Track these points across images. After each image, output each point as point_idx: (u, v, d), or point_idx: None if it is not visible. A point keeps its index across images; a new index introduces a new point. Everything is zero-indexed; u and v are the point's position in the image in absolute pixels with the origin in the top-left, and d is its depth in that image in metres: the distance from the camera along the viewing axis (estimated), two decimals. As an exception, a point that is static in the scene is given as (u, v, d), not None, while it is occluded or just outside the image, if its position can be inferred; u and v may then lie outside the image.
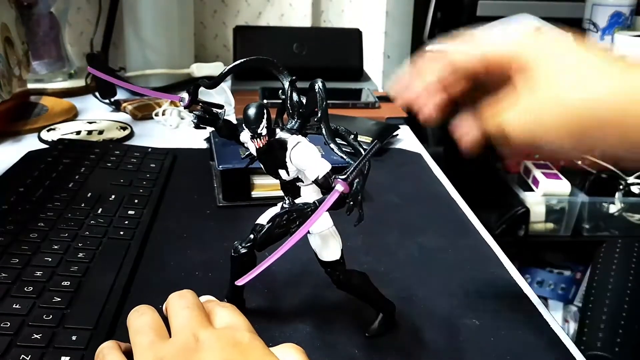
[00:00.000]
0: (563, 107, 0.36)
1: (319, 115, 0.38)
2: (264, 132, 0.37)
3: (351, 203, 0.35)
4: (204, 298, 0.44)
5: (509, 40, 0.40)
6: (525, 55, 0.39)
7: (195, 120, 0.41)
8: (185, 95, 0.41)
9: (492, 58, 0.40)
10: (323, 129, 0.38)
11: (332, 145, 0.37)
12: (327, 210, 0.35)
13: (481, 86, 0.42)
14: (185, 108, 0.41)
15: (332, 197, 0.35)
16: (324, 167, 0.36)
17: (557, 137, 0.37)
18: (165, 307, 0.39)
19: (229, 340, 0.35)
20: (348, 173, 0.34)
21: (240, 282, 0.36)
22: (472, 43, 0.41)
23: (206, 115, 0.41)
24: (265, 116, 0.37)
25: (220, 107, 0.42)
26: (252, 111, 0.37)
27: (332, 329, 0.45)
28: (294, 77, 0.40)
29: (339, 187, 0.34)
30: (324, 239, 0.41)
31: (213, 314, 0.39)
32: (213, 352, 0.34)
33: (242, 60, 0.41)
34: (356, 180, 0.35)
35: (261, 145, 0.37)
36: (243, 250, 0.42)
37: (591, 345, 1.29)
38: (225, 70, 0.41)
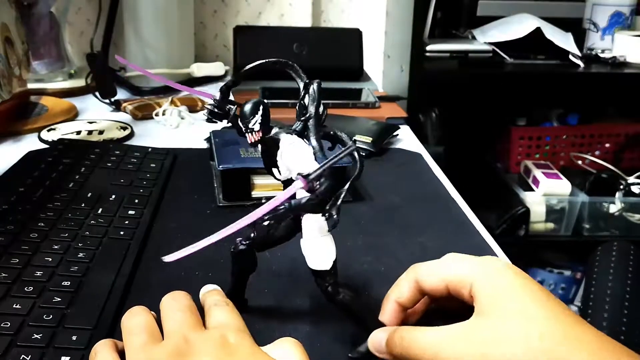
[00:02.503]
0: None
1: (307, 115, 0.38)
2: (256, 127, 0.37)
3: (327, 208, 0.35)
4: (209, 287, 0.44)
5: (474, 270, 0.40)
6: (476, 288, 0.38)
7: (207, 114, 0.41)
8: (217, 93, 0.42)
9: (455, 282, 0.40)
10: (310, 129, 0.38)
11: (313, 144, 0.37)
12: (301, 213, 0.36)
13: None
14: (215, 106, 0.40)
15: (288, 191, 0.35)
16: (307, 168, 0.36)
17: None
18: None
19: (218, 341, 0.36)
20: (312, 172, 0.35)
21: (167, 259, 0.35)
22: (438, 266, 0.42)
23: (218, 110, 0.41)
24: (260, 112, 0.37)
25: (234, 103, 0.42)
26: (247, 106, 0.37)
27: (333, 330, 0.45)
28: (307, 81, 0.40)
29: (298, 183, 0.34)
30: (315, 245, 0.39)
31: (208, 314, 0.39)
32: (203, 355, 0.34)
33: (262, 61, 0.42)
34: (320, 181, 0.35)
35: (253, 141, 0.37)
36: (241, 247, 0.42)
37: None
38: (246, 69, 0.41)
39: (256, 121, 0.37)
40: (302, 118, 0.40)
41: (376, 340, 0.40)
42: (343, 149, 0.35)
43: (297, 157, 0.37)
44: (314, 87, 0.38)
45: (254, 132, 0.37)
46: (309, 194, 0.36)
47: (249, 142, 0.38)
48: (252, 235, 0.41)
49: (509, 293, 0.37)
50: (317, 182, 0.35)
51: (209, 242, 0.35)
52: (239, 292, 0.45)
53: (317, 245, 0.39)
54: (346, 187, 0.37)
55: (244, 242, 0.42)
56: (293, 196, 0.36)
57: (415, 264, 0.44)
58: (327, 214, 0.36)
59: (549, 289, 1.55)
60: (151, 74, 0.48)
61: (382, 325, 0.42)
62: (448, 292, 0.41)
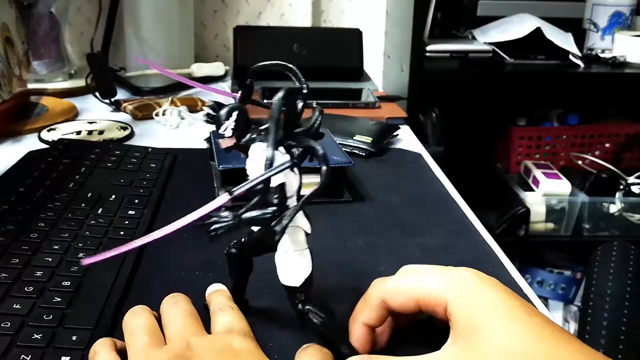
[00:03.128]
0: None
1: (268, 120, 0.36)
2: (228, 132, 0.36)
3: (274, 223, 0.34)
4: (215, 287, 0.43)
5: (441, 283, 0.37)
6: (450, 306, 0.36)
7: (205, 116, 0.41)
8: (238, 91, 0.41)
9: (424, 299, 0.37)
10: (269, 136, 0.36)
11: (268, 154, 0.35)
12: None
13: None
14: (214, 109, 0.40)
15: (211, 205, 0.34)
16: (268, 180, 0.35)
17: None
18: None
19: (221, 346, 0.35)
20: (236, 188, 0.34)
21: (85, 262, 0.34)
22: (402, 280, 0.39)
23: (215, 113, 0.40)
24: (232, 117, 0.36)
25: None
26: (221, 111, 0.36)
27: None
28: (290, 88, 0.38)
29: (222, 198, 0.33)
30: (286, 260, 0.38)
31: (213, 318, 0.39)
32: None
33: (267, 62, 0.41)
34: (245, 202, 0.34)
35: (223, 147, 0.36)
36: (232, 251, 0.42)
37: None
38: (251, 70, 0.41)
39: (227, 127, 0.36)
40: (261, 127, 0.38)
41: None
42: (277, 165, 0.34)
43: (255, 167, 0.36)
44: (277, 98, 0.36)
45: (225, 138, 0.36)
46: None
47: (220, 147, 0.37)
48: (243, 240, 0.41)
49: (487, 312, 0.35)
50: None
51: (130, 248, 0.34)
52: (238, 293, 0.45)
53: (289, 260, 0.38)
54: (297, 205, 0.35)
55: (235, 246, 0.42)
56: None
57: (378, 279, 0.41)
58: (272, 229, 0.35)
59: (549, 289, 1.53)
60: (174, 74, 0.48)
61: (354, 350, 0.39)
62: (419, 309, 0.38)
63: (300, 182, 0.37)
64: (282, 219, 0.35)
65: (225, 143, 0.36)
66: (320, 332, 0.38)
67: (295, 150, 0.36)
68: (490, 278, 0.38)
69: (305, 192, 0.35)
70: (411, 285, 0.38)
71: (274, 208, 0.35)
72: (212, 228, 0.34)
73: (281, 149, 0.37)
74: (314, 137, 0.38)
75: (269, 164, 0.34)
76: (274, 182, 0.35)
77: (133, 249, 0.34)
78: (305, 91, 0.39)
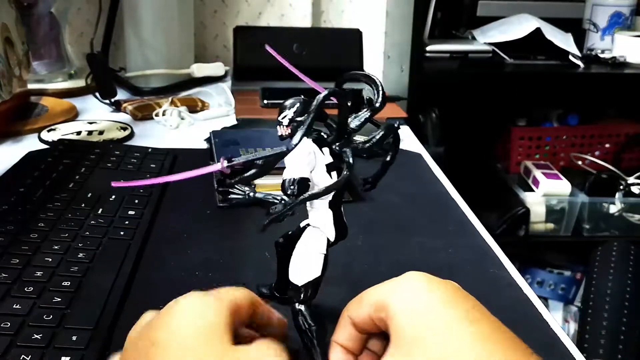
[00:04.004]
0: None
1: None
2: (285, 122, 0.37)
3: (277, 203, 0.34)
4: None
5: (383, 291, 0.34)
6: (392, 311, 0.33)
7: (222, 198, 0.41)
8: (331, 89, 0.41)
9: (373, 314, 0.34)
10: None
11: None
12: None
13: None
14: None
15: (207, 169, 0.36)
16: (290, 173, 0.35)
17: None
18: None
19: None
20: (235, 160, 0.35)
21: (114, 184, 0.36)
22: (364, 294, 0.36)
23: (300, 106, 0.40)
24: (293, 109, 0.36)
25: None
26: (288, 101, 0.36)
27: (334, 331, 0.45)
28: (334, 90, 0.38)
29: (218, 165, 0.35)
30: (298, 257, 0.38)
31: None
32: None
33: (356, 72, 0.42)
34: (250, 173, 0.35)
35: (279, 134, 0.37)
36: (280, 240, 0.41)
37: (593, 353, 1.29)
38: (346, 75, 0.41)
39: (285, 116, 0.37)
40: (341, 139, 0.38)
41: None
42: (276, 149, 0.35)
43: (289, 159, 0.37)
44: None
45: (282, 126, 0.37)
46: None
47: (277, 133, 0.38)
48: (290, 233, 0.40)
49: (427, 322, 0.32)
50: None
51: (156, 182, 0.35)
52: (282, 283, 0.43)
53: (301, 258, 0.38)
54: (296, 200, 0.34)
55: (282, 237, 0.41)
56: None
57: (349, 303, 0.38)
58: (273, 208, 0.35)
59: (549, 289, 1.52)
60: (293, 68, 0.47)
61: None
62: (377, 326, 0.35)
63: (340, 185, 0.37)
64: (282, 207, 0.34)
65: (280, 131, 0.36)
66: (301, 337, 0.37)
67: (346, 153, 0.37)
68: (443, 284, 0.34)
69: (271, 193, 0.36)
70: (365, 296, 0.36)
71: (283, 198, 0.35)
72: (228, 197, 0.36)
73: (326, 150, 0.37)
74: (368, 150, 0.38)
75: (290, 149, 0.35)
76: (292, 174, 0.35)
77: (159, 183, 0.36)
78: (377, 105, 0.40)
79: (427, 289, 0.33)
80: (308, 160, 0.36)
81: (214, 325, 0.32)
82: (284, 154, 0.35)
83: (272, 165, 0.35)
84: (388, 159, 0.41)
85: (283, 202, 0.34)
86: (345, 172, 0.35)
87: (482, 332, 0.32)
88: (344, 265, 0.54)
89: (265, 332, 0.37)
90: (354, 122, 0.39)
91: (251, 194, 0.36)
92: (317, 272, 0.38)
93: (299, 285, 0.38)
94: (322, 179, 0.37)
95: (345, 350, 0.36)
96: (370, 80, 0.40)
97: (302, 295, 0.38)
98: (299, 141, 0.35)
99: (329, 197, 0.37)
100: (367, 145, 0.38)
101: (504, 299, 0.51)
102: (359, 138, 0.39)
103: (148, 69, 1.10)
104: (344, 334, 0.36)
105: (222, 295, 0.34)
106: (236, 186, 0.37)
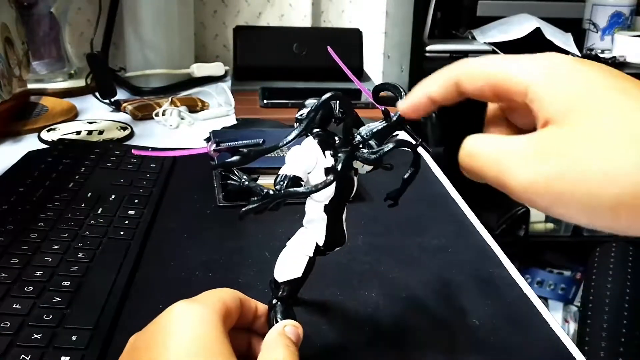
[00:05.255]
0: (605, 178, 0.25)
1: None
2: (299, 116, 0.37)
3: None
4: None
5: (528, 68, 0.30)
6: (550, 96, 0.28)
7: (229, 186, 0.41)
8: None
9: (502, 85, 0.31)
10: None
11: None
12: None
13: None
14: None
15: (195, 149, 0.37)
16: (285, 169, 0.36)
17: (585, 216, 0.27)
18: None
19: None
20: (223, 145, 0.35)
21: (134, 151, 0.37)
22: (482, 62, 0.33)
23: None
24: (308, 108, 0.37)
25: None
26: (309, 100, 0.37)
27: (339, 328, 0.45)
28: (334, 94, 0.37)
29: (208, 146, 0.35)
30: (285, 254, 0.39)
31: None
32: None
33: (381, 83, 0.41)
34: (228, 154, 0.35)
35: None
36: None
37: (593, 353, 1.28)
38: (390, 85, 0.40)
39: (302, 113, 0.37)
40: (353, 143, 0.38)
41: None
42: (253, 142, 0.35)
43: (289, 155, 0.37)
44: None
45: (297, 121, 0.37)
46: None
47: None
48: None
49: (589, 91, 0.27)
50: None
51: (171, 154, 0.36)
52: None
53: (286, 255, 0.39)
54: (280, 193, 0.35)
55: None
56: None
57: (460, 60, 0.34)
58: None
59: (548, 290, 1.53)
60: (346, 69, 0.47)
61: None
62: (497, 98, 0.32)
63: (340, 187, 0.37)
64: (260, 200, 0.34)
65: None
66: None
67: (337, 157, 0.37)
68: (593, 63, 0.29)
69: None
70: (490, 69, 0.32)
71: (265, 191, 0.34)
72: (227, 182, 0.37)
73: (329, 153, 0.37)
74: (374, 161, 0.38)
75: (284, 143, 0.35)
76: (286, 171, 0.36)
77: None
78: (394, 118, 0.39)
79: (575, 63, 0.29)
80: (307, 161, 0.36)
81: (213, 341, 0.31)
82: (273, 148, 0.35)
83: (256, 155, 0.35)
84: (406, 176, 0.42)
85: (264, 195, 0.34)
86: (328, 178, 0.34)
87: None
88: (344, 265, 0.54)
89: (254, 326, 0.38)
90: (365, 130, 0.39)
91: (246, 182, 0.37)
92: (297, 273, 0.39)
93: (279, 281, 0.39)
94: (317, 181, 0.37)
95: (430, 101, 0.35)
96: (395, 91, 0.40)
97: (279, 292, 0.39)
98: (291, 140, 0.35)
99: (324, 201, 0.37)
100: (373, 157, 0.38)
101: (504, 299, 0.51)
102: (368, 148, 0.39)
103: (148, 69, 1.10)
104: (437, 90, 0.34)
105: (210, 301, 0.34)
106: (235, 171, 0.37)
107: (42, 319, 0.42)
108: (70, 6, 1.15)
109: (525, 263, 1.64)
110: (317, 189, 0.34)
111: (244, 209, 0.34)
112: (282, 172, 0.36)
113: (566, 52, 1.44)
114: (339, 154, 0.37)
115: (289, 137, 0.35)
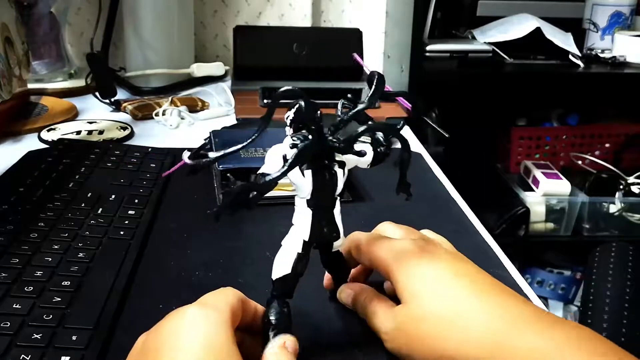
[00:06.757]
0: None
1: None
2: (287, 121, 0.37)
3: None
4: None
5: (393, 250, 0.42)
6: (399, 273, 0.40)
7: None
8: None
9: (376, 263, 0.42)
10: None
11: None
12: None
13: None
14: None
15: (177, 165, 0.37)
16: (263, 168, 0.37)
17: None
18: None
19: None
20: (199, 150, 0.36)
21: (164, 175, 0.37)
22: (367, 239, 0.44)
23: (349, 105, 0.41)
24: (293, 110, 0.37)
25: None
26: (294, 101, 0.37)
27: (336, 330, 0.45)
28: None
29: (184, 155, 0.36)
30: (280, 251, 0.40)
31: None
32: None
33: (398, 91, 0.44)
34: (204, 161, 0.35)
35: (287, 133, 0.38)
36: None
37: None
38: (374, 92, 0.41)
39: (287, 116, 0.38)
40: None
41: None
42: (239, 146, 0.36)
43: (267, 155, 0.38)
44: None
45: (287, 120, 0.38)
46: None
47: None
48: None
49: (422, 278, 0.39)
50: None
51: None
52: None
53: (278, 253, 0.40)
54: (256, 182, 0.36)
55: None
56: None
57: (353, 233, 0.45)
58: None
59: (548, 289, 1.53)
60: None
61: None
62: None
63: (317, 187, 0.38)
64: (234, 196, 0.35)
65: (287, 131, 0.38)
66: (264, 324, 0.38)
67: None
68: (436, 245, 0.43)
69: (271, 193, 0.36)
70: (368, 249, 0.43)
71: (241, 188, 0.35)
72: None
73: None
74: (344, 149, 0.40)
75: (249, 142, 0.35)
76: (261, 169, 0.37)
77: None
78: (398, 126, 0.43)
79: (420, 251, 0.41)
80: (278, 161, 0.37)
81: (223, 350, 0.32)
82: (238, 149, 0.35)
83: (224, 156, 0.35)
84: (397, 161, 0.44)
85: (237, 189, 0.35)
86: (281, 167, 0.35)
87: (476, 282, 0.39)
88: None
89: (252, 327, 0.38)
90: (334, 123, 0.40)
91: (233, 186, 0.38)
92: (286, 270, 0.39)
93: (273, 279, 0.40)
94: (297, 179, 0.38)
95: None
96: (406, 96, 0.41)
97: (274, 289, 0.40)
98: (255, 135, 0.35)
99: (307, 196, 0.38)
100: (342, 144, 0.39)
101: (504, 299, 0.51)
102: (340, 136, 0.39)
103: (148, 69, 1.10)
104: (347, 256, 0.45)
105: (221, 307, 0.34)
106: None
107: (42, 319, 0.42)
108: (70, 6, 1.15)
109: (525, 263, 1.64)
110: (272, 179, 0.35)
111: (214, 209, 0.35)
112: (259, 171, 0.37)
113: (566, 52, 1.44)
114: (292, 145, 0.37)
115: (253, 136, 0.35)
